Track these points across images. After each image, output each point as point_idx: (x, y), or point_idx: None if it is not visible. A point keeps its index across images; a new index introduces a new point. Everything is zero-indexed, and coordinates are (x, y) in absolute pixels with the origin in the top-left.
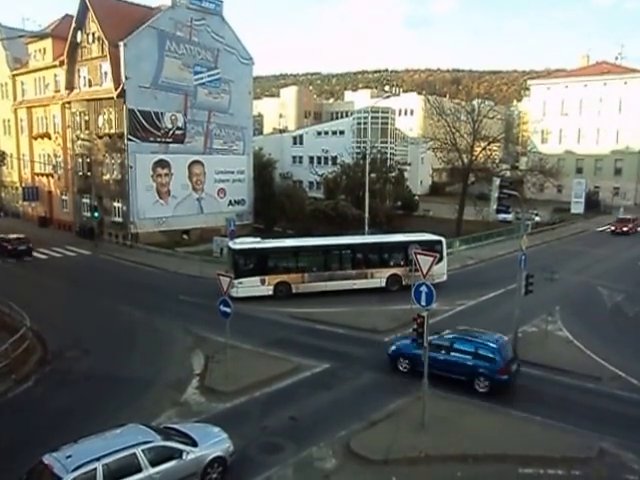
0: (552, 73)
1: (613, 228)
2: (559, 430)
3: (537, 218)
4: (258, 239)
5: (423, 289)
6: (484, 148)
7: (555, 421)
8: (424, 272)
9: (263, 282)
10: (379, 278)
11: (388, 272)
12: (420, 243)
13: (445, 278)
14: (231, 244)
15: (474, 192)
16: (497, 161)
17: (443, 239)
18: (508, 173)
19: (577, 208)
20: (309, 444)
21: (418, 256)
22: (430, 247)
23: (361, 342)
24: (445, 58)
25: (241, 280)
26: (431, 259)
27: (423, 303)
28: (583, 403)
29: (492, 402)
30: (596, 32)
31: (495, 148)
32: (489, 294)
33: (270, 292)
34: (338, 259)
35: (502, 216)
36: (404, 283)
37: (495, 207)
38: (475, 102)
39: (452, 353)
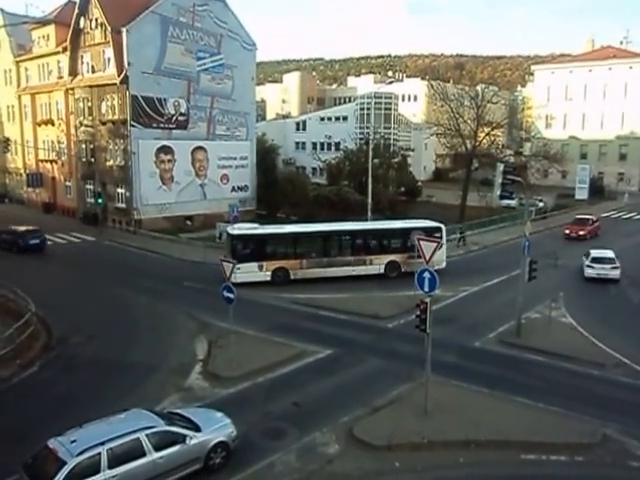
0: (556, 58)
1: (567, 231)
2: (562, 416)
3: (541, 204)
4: (256, 225)
5: (426, 275)
6: (488, 134)
7: (558, 407)
8: (427, 258)
9: (261, 268)
10: (378, 265)
11: (387, 259)
12: (419, 230)
13: (444, 265)
14: (229, 230)
15: (478, 178)
16: (501, 147)
17: (443, 226)
18: (512, 159)
19: (581, 194)
20: (312, 430)
21: (421, 242)
22: (429, 234)
23: (364, 328)
24: (449, 43)
25: (239, 266)
26: (434, 245)
27: (426, 289)
28: (586, 390)
29: (494, 388)
30: (601, 17)
31: (499, 134)
32: (493, 280)
33: (268, 278)
34: (336, 245)
35: (506, 202)
36: (403, 270)
37: (499, 193)
38: (479, 87)
39: None
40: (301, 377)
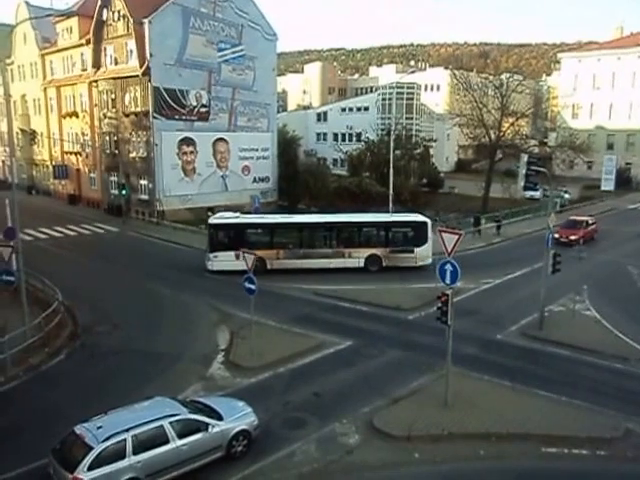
0: (584, 46)
1: (557, 235)
2: (584, 410)
3: (566, 195)
4: (238, 214)
5: (448, 267)
6: (512, 124)
7: (580, 401)
8: (449, 250)
9: (238, 257)
10: (357, 258)
11: (367, 252)
12: (402, 224)
13: (430, 261)
14: (210, 219)
15: (501, 169)
16: (525, 137)
17: (429, 220)
18: (536, 149)
19: (607, 185)
20: (332, 420)
21: (442, 234)
22: (413, 228)
23: (385, 320)
24: (473, 31)
25: (216, 254)
26: (456, 237)
27: (447, 281)
28: (610, 383)
29: (516, 381)
30: (631, 2)
31: (523, 124)
32: (515, 272)
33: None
34: (314, 237)
35: (530, 193)
36: (384, 264)
37: (523, 184)
38: (503, 76)
39: None
40: (321, 368)
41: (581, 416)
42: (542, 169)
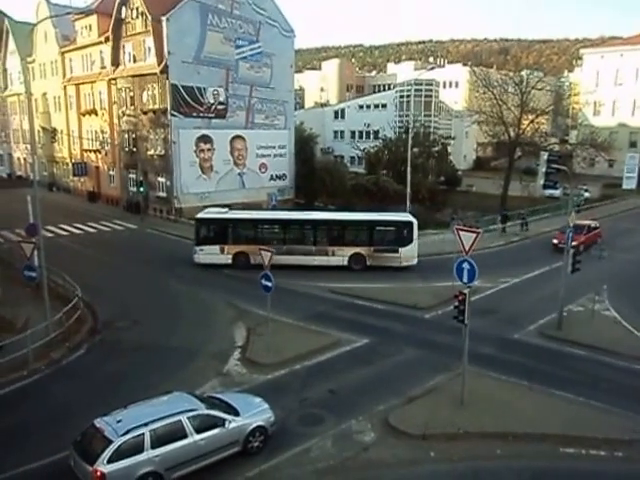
0: (607, 41)
1: (556, 241)
2: (602, 411)
3: (586, 194)
4: (226, 209)
5: (465, 266)
6: (532, 121)
7: (599, 402)
8: (466, 249)
9: (222, 251)
10: (341, 256)
11: (351, 251)
12: (387, 223)
13: (415, 262)
14: (199, 214)
15: (520, 167)
16: (545, 134)
17: (414, 220)
18: (557, 147)
19: (629, 184)
20: (348, 417)
21: (460, 232)
22: (399, 228)
23: (401, 318)
24: (492, 27)
25: (202, 247)
26: (474, 235)
27: (465, 280)
28: (629, 385)
29: (533, 381)
30: None
31: (543, 121)
32: (534, 272)
33: (229, 261)
34: (298, 234)
35: (549, 192)
36: (368, 263)
37: (542, 182)
38: (523, 73)
39: None
40: (337, 365)
41: (599, 417)
42: (562, 167)
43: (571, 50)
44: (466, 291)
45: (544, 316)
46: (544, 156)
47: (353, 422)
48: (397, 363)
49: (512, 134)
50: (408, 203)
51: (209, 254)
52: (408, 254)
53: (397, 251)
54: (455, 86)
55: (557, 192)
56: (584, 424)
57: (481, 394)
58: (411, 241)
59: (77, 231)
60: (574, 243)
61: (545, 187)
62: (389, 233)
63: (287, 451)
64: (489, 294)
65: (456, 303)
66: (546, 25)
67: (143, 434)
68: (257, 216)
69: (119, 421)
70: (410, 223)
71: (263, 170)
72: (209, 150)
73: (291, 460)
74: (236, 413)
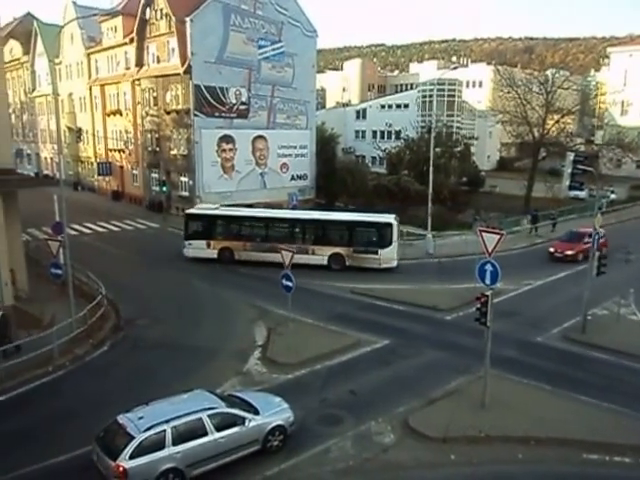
0: (635, 39)
1: (552, 249)
2: (627, 417)
3: (613, 195)
4: (217, 205)
5: (488, 267)
6: (557, 121)
7: (623, 407)
8: (489, 250)
9: (209, 245)
10: (321, 255)
11: (330, 250)
12: (366, 224)
13: (395, 264)
14: (188, 209)
15: (545, 167)
16: (570, 135)
17: (394, 221)
18: (582, 147)
19: None
20: (368, 418)
21: (483, 234)
22: (378, 229)
23: (422, 320)
24: (517, 25)
25: (190, 242)
26: (497, 237)
27: (487, 282)
28: None
29: (556, 385)
30: None
31: (569, 121)
32: (558, 274)
33: (215, 256)
34: (280, 232)
35: (574, 193)
36: (347, 264)
37: (568, 183)
38: (549, 72)
39: None
40: (358, 366)
41: (623, 423)
42: (589, 168)
43: (598, 48)
44: (488, 293)
45: (568, 319)
46: (570, 157)
47: (373, 423)
48: (417, 365)
49: (536, 134)
50: (430, 204)
51: (197, 248)
52: (387, 256)
53: (376, 252)
54: (479, 85)
55: (582, 193)
56: (608, 430)
57: (503, 397)
58: (390, 243)
59: (101, 229)
60: (570, 252)
61: (571, 188)
62: (368, 234)
63: (306, 451)
64: (512, 296)
65: (478, 305)
66: (573, 23)
67: (164, 431)
68: (241, 213)
69: (141, 417)
70: (389, 225)
71: (284, 170)
72: (231, 150)
73: (310, 460)
74: (256, 412)
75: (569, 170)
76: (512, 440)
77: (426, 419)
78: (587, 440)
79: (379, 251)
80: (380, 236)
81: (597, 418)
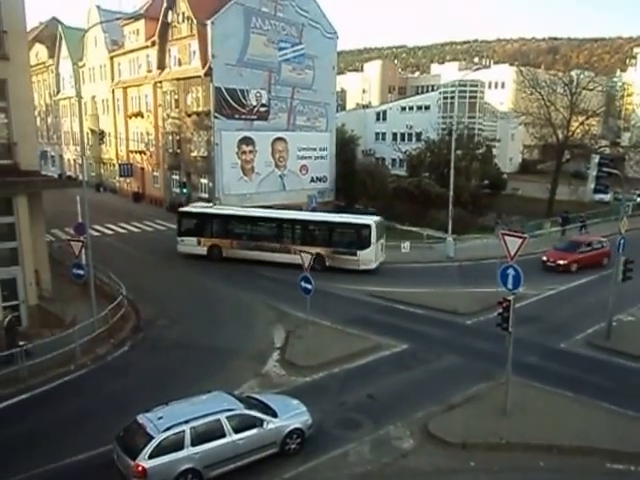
0: None
1: (545, 258)
2: None
3: (639, 199)
4: (211, 204)
5: (510, 272)
6: (582, 123)
7: None
8: (511, 254)
9: (199, 243)
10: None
11: (311, 251)
12: (345, 225)
13: (374, 266)
14: (181, 208)
15: (568, 170)
16: (596, 137)
17: (373, 223)
18: (608, 150)
19: None
20: (386, 423)
21: (505, 237)
22: (357, 231)
23: (442, 324)
24: (541, 25)
25: (182, 238)
26: (520, 241)
27: (510, 286)
28: None
29: (579, 392)
30: None
31: (594, 123)
32: (581, 279)
33: (204, 253)
34: (265, 231)
35: (599, 196)
36: (327, 264)
37: (593, 186)
38: (573, 73)
39: None
40: (376, 370)
41: None
42: (614, 171)
43: (624, 49)
44: (510, 298)
45: (592, 325)
46: (595, 159)
47: (391, 428)
48: (437, 369)
49: (560, 136)
50: (450, 207)
51: (188, 245)
52: (366, 257)
53: (355, 254)
54: (501, 87)
55: (607, 197)
56: (634, 439)
57: (524, 404)
58: (369, 245)
59: (122, 230)
60: (562, 262)
61: (596, 191)
62: (347, 235)
63: (324, 454)
64: (534, 301)
65: (500, 310)
66: (598, 23)
67: (183, 431)
68: (228, 212)
69: (160, 418)
70: (367, 226)
71: (304, 172)
72: (251, 152)
73: (328, 463)
74: (274, 414)
75: (594, 173)
76: (534, 448)
77: (446, 425)
78: (611, 449)
79: (358, 252)
80: (359, 238)
81: (622, 426)
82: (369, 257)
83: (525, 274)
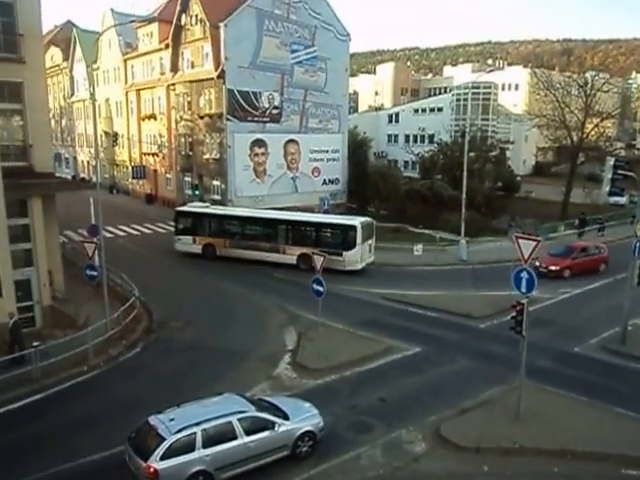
0: None
1: (537, 264)
2: None
3: None
4: (207, 204)
5: (524, 275)
6: (596, 125)
7: None
8: (525, 257)
9: (194, 241)
10: (291, 255)
11: (299, 250)
12: (331, 226)
13: (360, 267)
14: (178, 207)
15: (583, 172)
16: (611, 139)
17: (358, 224)
18: (623, 152)
19: None
20: (398, 426)
21: (519, 240)
22: (342, 232)
23: (455, 327)
24: (555, 27)
25: (179, 237)
26: (534, 244)
27: (523, 290)
28: None
29: (594, 397)
30: None
31: (609, 125)
32: (595, 283)
33: (199, 251)
34: (256, 231)
35: (614, 199)
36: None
37: (608, 189)
38: (588, 74)
39: None
40: (388, 373)
41: None
42: (630, 173)
43: None
44: (524, 301)
45: (607, 329)
46: (610, 162)
47: (403, 432)
48: (450, 373)
49: (575, 138)
50: (463, 209)
51: (185, 243)
52: (352, 258)
53: (341, 254)
54: (515, 89)
55: (623, 199)
56: None
57: (538, 408)
58: (354, 245)
59: (134, 232)
60: (554, 268)
61: (611, 194)
62: (333, 236)
63: (336, 458)
64: (548, 305)
65: (513, 313)
66: (612, 24)
67: (195, 433)
68: (222, 212)
69: (172, 419)
70: (353, 227)
71: (316, 174)
72: (263, 154)
73: (340, 467)
74: (285, 417)
75: (609, 175)
76: (547, 453)
77: (458, 429)
78: (627, 455)
79: (343, 253)
80: (344, 238)
81: (637, 432)
82: (354, 258)
83: (541, 276)
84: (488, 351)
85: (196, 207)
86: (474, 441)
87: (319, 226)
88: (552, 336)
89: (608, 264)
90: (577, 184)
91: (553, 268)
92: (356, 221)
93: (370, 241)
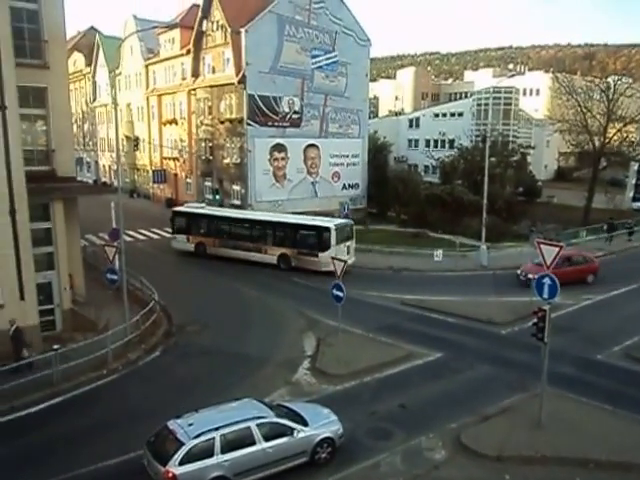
0: None
1: (519, 272)
2: None
3: None
4: (204, 204)
5: (546, 281)
6: (619, 130)
7: None
8: (548, 263)
9: (188, 240)
10: (272, 255)
11: (279, 251)
12: (307, 227)
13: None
14: (175, 207)
15: (605, 178)
16: (634, 144)
17: (332, 226)
18: None
19: None
20: (418, 433)
21: (542, 246)
22: (317, 233)
23: (476, 333)
24: (577, 31)
25: (175, 236)
26: (556, 250)
27: (545, 296)
28: None
29: (618, 406)
30: None
31: (632, 130)
32: (620, 289)
33: (192, 249)
34: (241, 231)
35: (637, 204)
36: (293, 264)
37: (632, 194)
38: (611, 79)
39: None
40: (408, 379)
41: None
42: None
43: None
44: (546, 307)
45: (631, 337)
46: (634, 167)
47: (423, 439)
48: (471, 380)
49: (597, 143)
50: (484, 214)
51: (180, 242)
52: (327, 260)
53: (317, 255)
54: (536, 93)
55: None
56: None
57: (560, 416)
58: (329, 247)
59: (155, 236)
60: (533, 277)
61: (635, 199)
62: (309, 237)
63: (355, 464)
64: (571, 311)
65: (535, 320)
66: (636, 29)
67: (214, 438)
68: (211, 213)
69: (191, 424)
70: (327, 229)
71: (336, 179)
72: (283, 159)
73: (359, 474)
74: (304, 423)
75: (633, 181)
76: (570, 462)
77: (479, 436)
78: None
79: (319, 254)
80: (319, 240)
81: None
82: (329, 259)
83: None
84: (509, 358)
85: (191, 208)
86: (495, 449)
87: (297, 227)
88: (574, 343)
89: (597, 275)
90: (599, 189)
91: (531, 277)
92: (331, 223)
93: (349, 243)
